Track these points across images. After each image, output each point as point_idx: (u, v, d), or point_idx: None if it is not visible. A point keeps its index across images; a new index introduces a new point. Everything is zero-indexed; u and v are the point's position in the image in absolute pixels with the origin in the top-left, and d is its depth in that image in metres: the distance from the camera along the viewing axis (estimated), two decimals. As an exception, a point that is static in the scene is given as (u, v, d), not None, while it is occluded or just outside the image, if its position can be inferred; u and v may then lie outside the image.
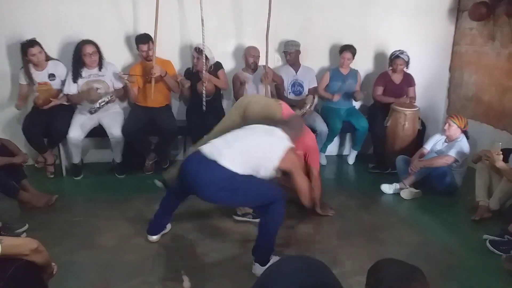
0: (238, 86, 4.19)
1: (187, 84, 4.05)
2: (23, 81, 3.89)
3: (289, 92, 4.43)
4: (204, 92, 3.97)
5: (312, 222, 3.28)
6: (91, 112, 3.93)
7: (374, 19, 4.56)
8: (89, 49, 3.84)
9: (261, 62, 4.19)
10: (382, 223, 3.31)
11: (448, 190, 3.72)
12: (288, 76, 4.40)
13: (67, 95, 3.97)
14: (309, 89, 4.44)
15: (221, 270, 2.64)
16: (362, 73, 4.61)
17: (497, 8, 4.09)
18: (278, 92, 4.40)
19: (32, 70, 3.86)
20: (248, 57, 4.19)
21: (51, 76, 3.93)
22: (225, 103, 4.47)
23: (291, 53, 4.32)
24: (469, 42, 4.61)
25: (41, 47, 3.80)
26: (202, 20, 3.84)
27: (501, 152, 3.13)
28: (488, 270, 2.71)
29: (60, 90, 3.97)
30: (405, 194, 3.72)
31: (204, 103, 4.01)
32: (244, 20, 4.38)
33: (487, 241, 2.92)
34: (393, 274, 1.38)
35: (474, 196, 3.49)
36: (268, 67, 4.09)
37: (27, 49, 3.73)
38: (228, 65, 4.38)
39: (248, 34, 4.39)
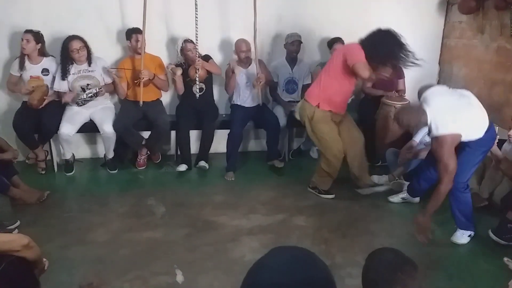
0: (229, 76, 4.14)
1: (179, 71, 4.03)
2: (14, 71, 3.86)
3: (283, 90, 4.42)
4: (197, 78, 3.94)
5: (303, 214, 3.32)
6: (78, 104, 3.91)
7: (364, 12, 4.56)
8: (75, 44, 3.80)
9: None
10: (373, 215, 3.36)
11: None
12: (283, 73, 4.36)
13: (58, 92, 3.95)
14: (303, 85, 4.43)
15: (214, 263, 2.66)
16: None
17: (486, 1, 4.12)
18: (271, 90, 4.40)
19: (27, 62, 3.84)
20: (239, 53, 4.08)
21: (45, 71, 3.90)
22: (217, 97, 4.47)
23: (294, 44, 4.23)
24: (458, 35, 4.64)
25: (34, 38, 3.76)
26: (196, 7, 3.80)
27: (497, 136, 3.17)
28: (477, 261, 2.76)
29: (50, 87, 3.94)
30: (394, 185, 3.76)
31: (197, 89, 4.00)
32: (231, 13, 4.36)
33: (490, 231, 2.94)
34: (384, 262, 1.39)
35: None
36: (261, 73, 4.06)
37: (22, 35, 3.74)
38: (216, 59, 4.37)
39: (235, 27, 4.35)
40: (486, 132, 2.76)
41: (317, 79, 3.48)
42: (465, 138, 2.69)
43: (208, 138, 4.17)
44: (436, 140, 2.67)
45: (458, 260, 2.78)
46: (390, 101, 4.17)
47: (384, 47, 3.11)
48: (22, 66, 3.83)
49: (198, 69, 3.90)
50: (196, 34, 3.84)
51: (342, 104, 3.50)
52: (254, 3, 3.93)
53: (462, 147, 2.77)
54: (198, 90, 4.02)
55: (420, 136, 3.93)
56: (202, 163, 4.12)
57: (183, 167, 4.07)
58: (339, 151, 3.45)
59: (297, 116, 4.01)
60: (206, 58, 4.13)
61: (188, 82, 4.06)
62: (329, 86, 3.34)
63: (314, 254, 1.51)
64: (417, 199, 3.53)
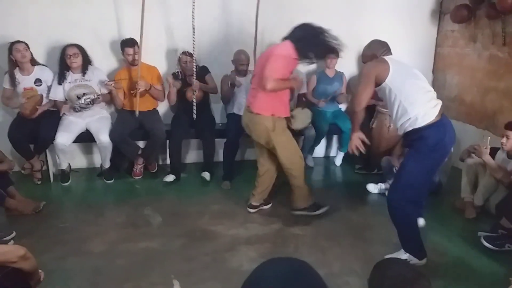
0: (226, 87, 4.17)
1: (178, 84, 4.05)
2: (7, 85, 3.86)
3: None
4: (194, 100, 3.98)
5: (299, 223, 3.32)
6: (75, 110, 3.91)
7: (358, 22, 4.61)
8: (70, 50, 3.83)
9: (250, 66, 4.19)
10: (370, 223, 3.36)
11: (434, 190, 3.78)
12: None
13: (54, 101, 3.95)
14: (298, 94, 4.46)
15: (211, 273, 2.65)
16: (347, 76, 4.66)
17: (478, 11, 4.18)
18: None
19: (18, 74, 3.84)
20: (239, 65, 4.12)
21: (38, 81, 3.90)
22: (213, 106, 4.49)
23: None
24: (451, 44, 4.70)
25: (28, 47, 3.78)
26: (193, 22, 3.81)
27: (489, 146, 3.20)
28: (475, 268, 2.76)
29: (46, 96, 3.95)
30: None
31: (194, 111, 4.02)
32: (230, 24, 4.40)
33: (482, 238, 2.96)
34: (399, 275, 1.39)
35: (456, 196, 3.58)
36: None
37: (13, 46, 3.72)
38: (215, 69, 4.39)
39: (234, 37, 4.40)
40: (439, 128, 2.45)
41: (255, 88, 3.12)
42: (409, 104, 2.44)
43: (209, 147, 4.16)
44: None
45: (455, 267, 2.78)
46: (385, 109, 4.19)
47: (314, 40, 3.02)
48: (13, 81, 3.82)
49: (195, 91, 3.93)
50: (193, 46, 3.84)
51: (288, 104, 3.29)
52: (256, 15, 3.96)
53: (413, 147, 2.51)
54: (195, 111, 4.03)
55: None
56: (204, 174, 4.12)
57: (170, 178, 4.04)
58: (301, 155, 3.30)
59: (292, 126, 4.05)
60: (204, 70, 4.15)
61: (184, 92, 4.08)
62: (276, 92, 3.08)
63: (308, 264, 1.50)
64: None
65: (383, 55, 2.66)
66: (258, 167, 3.43)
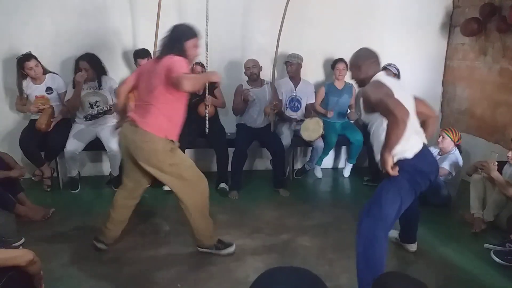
0: (239, 99, 4.19)
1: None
2: (21, 94, 3.93)
3: (286, 108, 4.47)
4: (207, 115, 4.00)
5: (308, 234, 3.30)
6: (86, 118, 3.95)
7: (368, 34, 4.61)
8: (82, 65, 3.89)
9: (264, 76, 4.25)
10: (378, 236, 3.33)
11: (443, 203, 3.75)
12: (286, 91, 4.42)
13: (67, 102, 4.01)
14: (306, 104, 4.48)
15: (218, 283, 2.64)
16: (356, 88, 4.66)
17: (488, 24, 4.18)
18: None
19: (30, 84, 3.90)
20: (246, 70, 4.17)
21: (49, 89, 3.97)
22: (221, 115, 4.51)
23: (292, 65, 4.33)
24: (461, 57, 4.69)
25: (37, 60, 3.85)
26: (207, 32, 3.81)
27: (496, 163, 3.18)
28: (484, 283, 2.72)
29: (56, 106, 4.01)
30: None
31: (207, 125, 4.02)
32: (240, 35, 4.45)
33: (492, 252, 2.94)
34: None
35: (466, 209, 3.54)
36: (276, 103, 4.12)
37: (24, 63, 3.78)
38: (224, 80, 4.42)
39: (244, 48, 4.45)
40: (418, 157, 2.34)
41: (146, 104, 2.61)
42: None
43: (223, 157, 4.14)
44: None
45: (465, 282, 2.74)
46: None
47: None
48: (21, 91, 3.90)
49: (208, 106, 3.96)
50: (206, 57, 3.86)
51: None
52: (278, 36, 3.99)
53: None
54: (207, 126, 4.04)
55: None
56: (223, 185, 4.12)
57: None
58: (207, 184, 2.91)
59: (305, 137, 4.06)
60: (213, 83, 4.16)
61: (195, 102, 4.09)
62: (173, 110, 2.67)
63: (315, 275, 1.48)
64: None
65: (370, 66, 2.46)
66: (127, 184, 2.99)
